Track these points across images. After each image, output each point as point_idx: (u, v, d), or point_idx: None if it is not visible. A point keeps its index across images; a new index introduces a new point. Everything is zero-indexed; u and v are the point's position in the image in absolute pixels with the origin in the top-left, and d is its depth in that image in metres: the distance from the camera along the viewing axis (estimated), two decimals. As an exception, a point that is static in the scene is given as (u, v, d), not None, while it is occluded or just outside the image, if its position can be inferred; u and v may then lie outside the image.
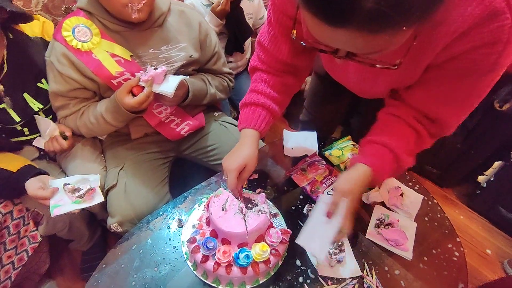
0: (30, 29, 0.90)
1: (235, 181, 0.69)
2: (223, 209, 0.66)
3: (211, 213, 0.65)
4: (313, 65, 1.07)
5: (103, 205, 0.91)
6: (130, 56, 0.88)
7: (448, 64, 0.51)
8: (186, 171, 1.27)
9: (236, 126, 1.13)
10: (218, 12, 1.27)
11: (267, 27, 0.74)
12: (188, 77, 0.94)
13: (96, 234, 1.14)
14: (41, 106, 0.92)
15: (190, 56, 0.95)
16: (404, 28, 0.33)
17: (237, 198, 0.70)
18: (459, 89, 0.54)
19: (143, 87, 0.83)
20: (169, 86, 0.84)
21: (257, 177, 0.90)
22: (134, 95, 0.84)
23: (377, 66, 0.44)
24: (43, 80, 0.92)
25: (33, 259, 0.98)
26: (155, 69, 0.83)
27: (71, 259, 1.25)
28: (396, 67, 0.43)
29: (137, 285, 0.66)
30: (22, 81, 0.88)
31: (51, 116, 0.97)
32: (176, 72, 0.95)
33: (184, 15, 0.96)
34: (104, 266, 0.69)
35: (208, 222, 0.69)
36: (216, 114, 1.16)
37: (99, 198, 0.78)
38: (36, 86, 0.91)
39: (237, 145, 0.74)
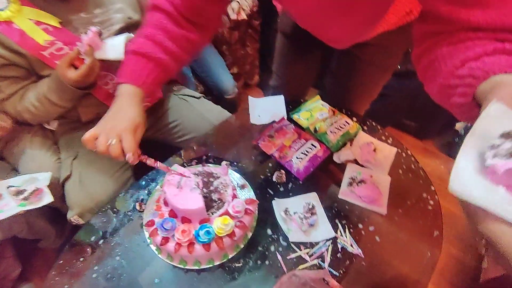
0: None
1: (133, 142, 0.59)
2: (178, 187, 0.61)
3: (165, 192, 0.60)
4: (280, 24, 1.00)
5: (64, 199, 0.85)
6: (59, 22, 0.77)
7: None
8: (156, 153, 1.20)
9: (198, 98, 1.06)
10: None
11: None
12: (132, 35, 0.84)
13: (65, 230, 1.08)
14: None
15: (129, 18, 0.85)
16: None
17: (131, 163, 0.60)
18: None
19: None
20: (116, 49, 0.75)
21: (209, 154, 0.84)
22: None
23: None
24: None
25: (-1, 265, 0.93)
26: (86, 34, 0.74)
27: (45, 258, 1.20)
28: None
29: (99, 277, 0.61)
30: None
31: None
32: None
33: None
34: (61, 262, 0.64)
35: (166, 202, 0.64)
36: (175, 88, 1.07)
37: (47, 199, 0.71)
38: None
39: (116, 105, 0.63)
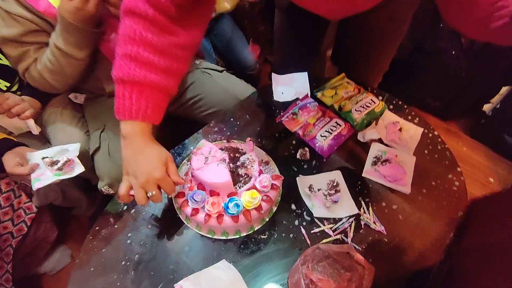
0: None
1: (172, 185, 0.59)
2: (205, 162, 0.63)
3: (193, 167, 0.62)
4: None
5: (93, 171, 0.89)
6: None
7: None
8: (181, 130, 1.22)
9: (220, 71, 1.05)
10: None
11: None
12: None
13: (96, 200, 1.15)
14: (7, 84, 0.86)
15: None
16: None
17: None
18: None
19: None
20: None
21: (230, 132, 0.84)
22: None
23: None
24: (0, 56, 0.84)
25: (38, 229, 1.00)
26: None
27: (80, 225, 1.29)
28: None
29: (133, 243, 0.66)
30: None
31: (19, 92, 0.91)
32: None
33: None
34: (97, 228, 0.68)
35: (194, 176, 0.66)
36: (197, 62, 1.07)
37: (79, 169, 0.74)
38: None
39: (130, 149, 0.57)
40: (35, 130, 0.88)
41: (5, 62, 0.86)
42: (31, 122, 0.87)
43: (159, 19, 0.54)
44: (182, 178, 0.61)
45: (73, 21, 0.73)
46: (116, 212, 0.71)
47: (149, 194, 0.56)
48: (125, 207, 0.71)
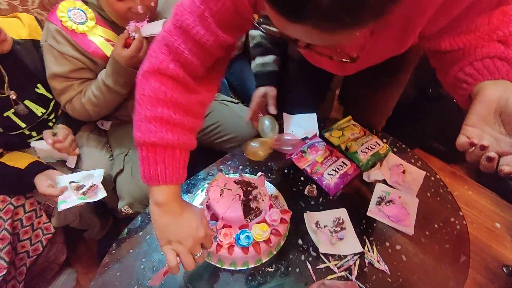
0: (16, 33, 0.91)
1: (212, 240, 0.59)
2: (221, 194, 0.68)
3: (209, 198, 0.67)
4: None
5: (111, 194, 0.95)
6: None
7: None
8: (197, 157, 1.29)
9: (236, 103, 1.14)
10: None
11: (195, 3, 0.50)
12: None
13: (108, 223, 1.19)
14: (43, 111, 0.95)
15: None
16: (356, 29, 0.34)
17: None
18: None
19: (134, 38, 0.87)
20: (155, 26, 0.87)
21: (240, 166, 0.90)
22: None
23: (335, 58, 0.45)
24: (39, 85, 0.94)
25: (50, 250, 1.03)
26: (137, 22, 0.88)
27: (87, 247, 1.31)
28: (354, 60, 0.45)
29: (146, 269, 0.69)
30: (20, 88, 0.89)
31: (53, 119, 1.00)
32: None
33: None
34: (113, 252, 0.72)
35: (209, 206, 0.70)
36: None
37: (102, 194, 0.81)
38: (35, 92, 0.93)
39: (168, 216, 0.54)
40: (73, 164, 0.95)
41: (42, 91, 0.95)
42: (74, 158, 0.95)
43: (187, 79, 0.55)
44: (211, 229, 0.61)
45: (126, 65, 0.85)
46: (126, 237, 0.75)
47: (197, 255, 0.56)
48: (140, 233, 0.75)
